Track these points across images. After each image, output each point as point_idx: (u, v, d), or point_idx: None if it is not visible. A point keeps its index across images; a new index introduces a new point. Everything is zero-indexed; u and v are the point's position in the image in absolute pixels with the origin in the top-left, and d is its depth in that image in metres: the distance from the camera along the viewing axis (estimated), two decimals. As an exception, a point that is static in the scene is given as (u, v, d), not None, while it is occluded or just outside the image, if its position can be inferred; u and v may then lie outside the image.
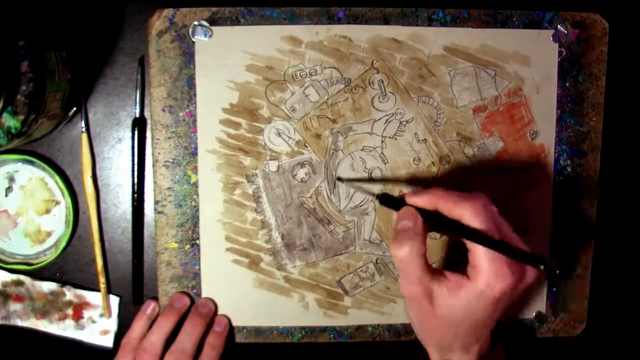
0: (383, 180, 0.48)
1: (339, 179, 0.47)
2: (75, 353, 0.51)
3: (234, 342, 0.50)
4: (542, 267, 0.34)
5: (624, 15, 0.49)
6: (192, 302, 0.49)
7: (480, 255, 0.35)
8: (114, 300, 0.50)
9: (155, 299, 0.49)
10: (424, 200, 0.38)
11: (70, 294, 0.49)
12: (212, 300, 0.49)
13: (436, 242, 0.49)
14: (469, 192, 0.38)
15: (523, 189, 0.49)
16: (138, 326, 0.47)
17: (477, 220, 0.36)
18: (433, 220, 0.38)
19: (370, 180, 0.48)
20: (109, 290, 0.50)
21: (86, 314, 0.50)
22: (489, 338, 0.40)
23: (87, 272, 0.50)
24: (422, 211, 0.38)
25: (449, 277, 0.37)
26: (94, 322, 0.50)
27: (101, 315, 0.50)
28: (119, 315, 0.50)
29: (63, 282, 0.50)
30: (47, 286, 0.49)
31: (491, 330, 0.40)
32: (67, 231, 0.48)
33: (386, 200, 0.42)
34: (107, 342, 0.50)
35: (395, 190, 0.48)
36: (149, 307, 0.48)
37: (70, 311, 0.50)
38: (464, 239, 0.36)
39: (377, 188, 0.48)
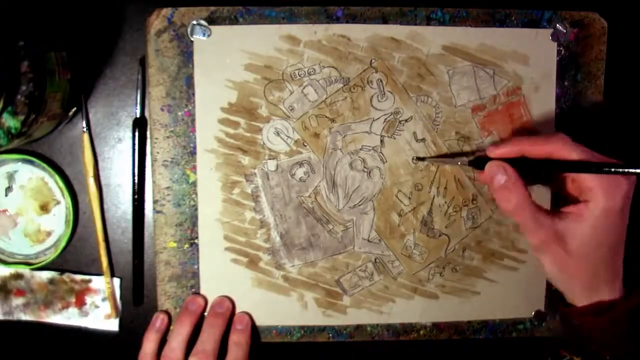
0: (463, 154, 0.48)
1: (419, 158, 0.47)
2: (82, 343, 0.51)
3: (259, 339, 0.49)
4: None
5: (622, 14, 0.49)
6: (207, 301, 0.49)
7: (588, 178, 0.37)
8: (116, 282, 0.50)
9: (164, 311, 0.49)
10: (508, 149, 0.40)
11: (70, 280, 0.49)
12: (229, 298, 0.49)
13: (435, 242, 0.49)
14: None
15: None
16: (149, 340, 0.47)
17: (569, 151, 0.37)
18: (522, 167, 0.39)
19: (452, 155, 0.48)
20: (111, 289, 0.50)
21: (88, 299, 0.50)
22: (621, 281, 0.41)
23: (87, 272, 0.50)
24: (508, 161, 0.39)
25: (568, 210, 0.39)
26: (97, 307, 0.50)
27: (103, 300, 0.50)
28: (122, 298, 0.50)
29: (61, 270, 0.50)
30: (46, 275, 0.50)
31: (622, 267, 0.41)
32: (67, 231, 0.48)
33: (478, 162, 0.42)
34: (113, 326, 0.50)
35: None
36: (158, 320, 0.48)
37: (72, 299, 0.50)
38: (563, 172, 0.38)
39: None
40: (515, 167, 0.39)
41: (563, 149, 0.38)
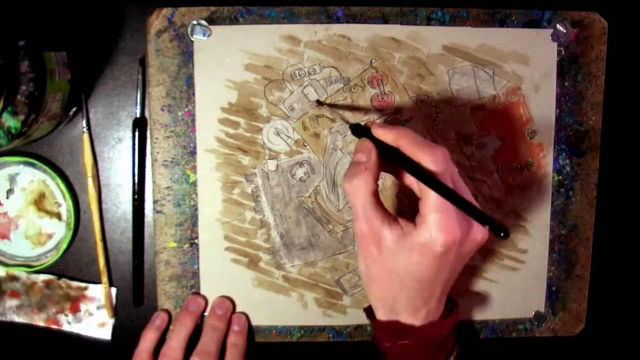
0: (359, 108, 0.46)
1: (319, 102, 0.46)
2: (73, 347, 0.51)
3: (254, 339, 0.50)
4: (487, 226, 0.33)
5: (623, 14, 0.49)
6: (207, 302, 0.49)
7: (430, 203, 0.34)
8: (112, 292, 0.50)
9: (165, 310, 0.49)
10: (389, 135, 0.37)
11: (66, 286, 0.49)
12: (229, 298, 0.49)
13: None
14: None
15: (521, 188, 0.49)
16: (147, 339, 0.47)
17: (435, 166, 0.35)
18: (390, 156, 0.37)
19: (351, 108, 0.46)
20: (108, 291, 0.50)
21: (83, 307, 0.50)
22: (441, 305, 0.39)
23: (86, 273, 0.50)
24: (382, 145, 0.37)
25: (401, 223, 0.36)
26: (91, 314, 0.50)
27: (98, 308, 0.50)
28: (117, 307, 0.50)
29: (59, 275, 0.50)
30: (43, 279, 0.49)
31: (444, 296, 0.39)
32: (68, 233, 0.48)
33: (358, 130, 0.40)
34: (105, 334, 0.50)
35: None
36: (158, 319, 0.48)
37: (67, 304, 0.50)
38: (417, 179, 0.35)
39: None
40: (387, 151, 0.37)
41: (429, 160, 0.35)
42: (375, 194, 0.37)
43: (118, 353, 0.50)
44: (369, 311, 0.42)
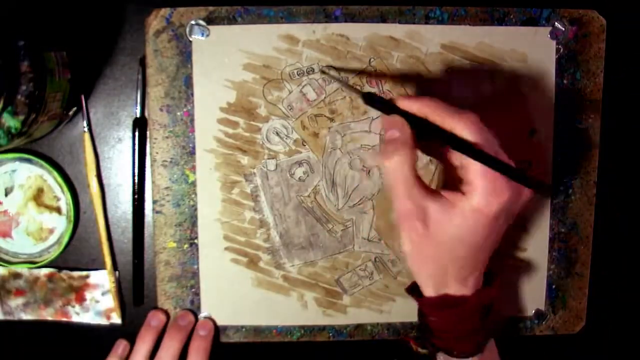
0: (366, 73, 0.45)
1: (323, 70, 0.45)
2: (85, 338, 0.51)
3: (221, 343, 0.49)
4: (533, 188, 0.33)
5: (621, 12, 0.49)
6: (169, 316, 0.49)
7: (474, 170, 0.34)
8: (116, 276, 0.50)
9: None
10: (415, 106, 0.36)
11: (68, 277, 0.49)
12: (193, 312, 0.49)
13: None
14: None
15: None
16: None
17: (469, 133, 0.34)
18: (422, 129, 0.36)
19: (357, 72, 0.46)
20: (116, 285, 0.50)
21: (88, 295, 0.50)
22: (484, 271, 0.39)
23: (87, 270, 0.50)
24: (410, 118, 0.36)
25: (445, 194, 0.36)
26: (97, 301, 0.50)
27: (103, 294, 0.50)
28: (121, 293, 0.50)
29: (59, 268, 0.50)
30: (44, 273, 0.49)
31: (486, 264, 0.39)
32: (68, 227, 0.48)
33: (372, 99, 0.38)
34: (115, 319, 0.50)
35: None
36: (120, 347, 0.48)
37: (72, 295, 0.50)
38: (455, 150, 0.35)
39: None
40: (417, 124, 0.36)
41: (461, 127, 0.35)
42: (413, 169, 0.36)
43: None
44: (414, 289, 0.41)
